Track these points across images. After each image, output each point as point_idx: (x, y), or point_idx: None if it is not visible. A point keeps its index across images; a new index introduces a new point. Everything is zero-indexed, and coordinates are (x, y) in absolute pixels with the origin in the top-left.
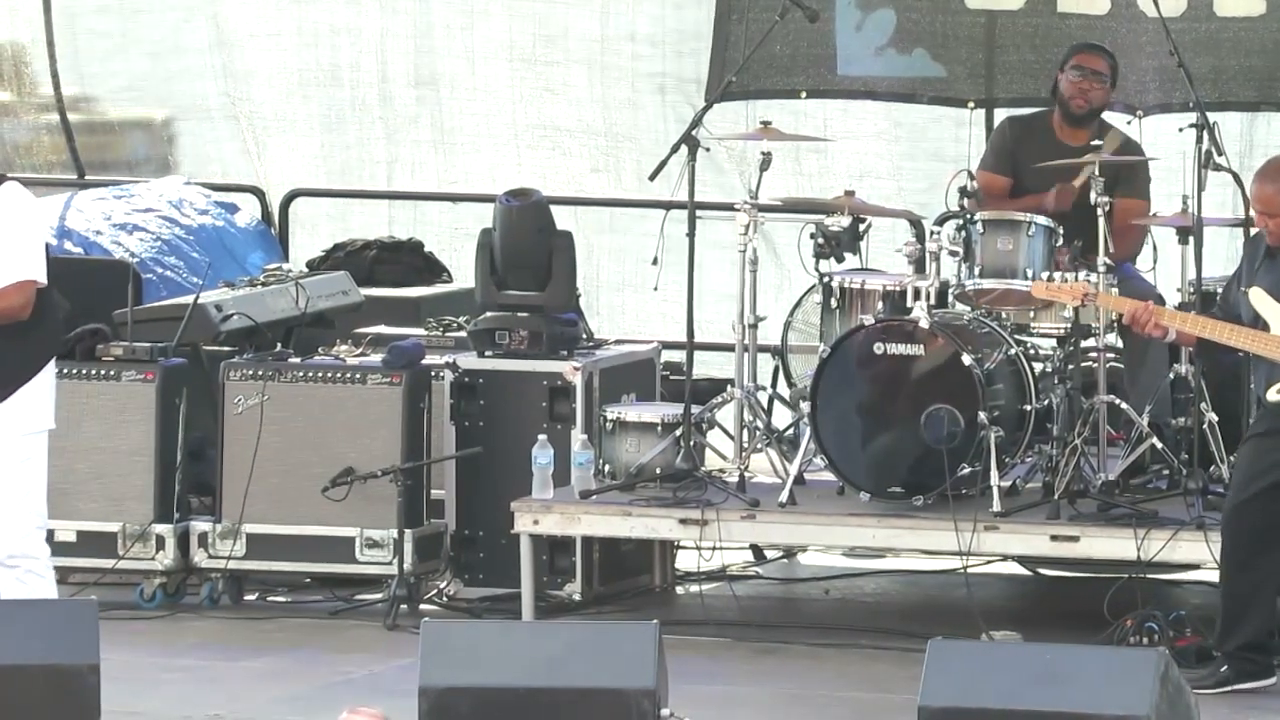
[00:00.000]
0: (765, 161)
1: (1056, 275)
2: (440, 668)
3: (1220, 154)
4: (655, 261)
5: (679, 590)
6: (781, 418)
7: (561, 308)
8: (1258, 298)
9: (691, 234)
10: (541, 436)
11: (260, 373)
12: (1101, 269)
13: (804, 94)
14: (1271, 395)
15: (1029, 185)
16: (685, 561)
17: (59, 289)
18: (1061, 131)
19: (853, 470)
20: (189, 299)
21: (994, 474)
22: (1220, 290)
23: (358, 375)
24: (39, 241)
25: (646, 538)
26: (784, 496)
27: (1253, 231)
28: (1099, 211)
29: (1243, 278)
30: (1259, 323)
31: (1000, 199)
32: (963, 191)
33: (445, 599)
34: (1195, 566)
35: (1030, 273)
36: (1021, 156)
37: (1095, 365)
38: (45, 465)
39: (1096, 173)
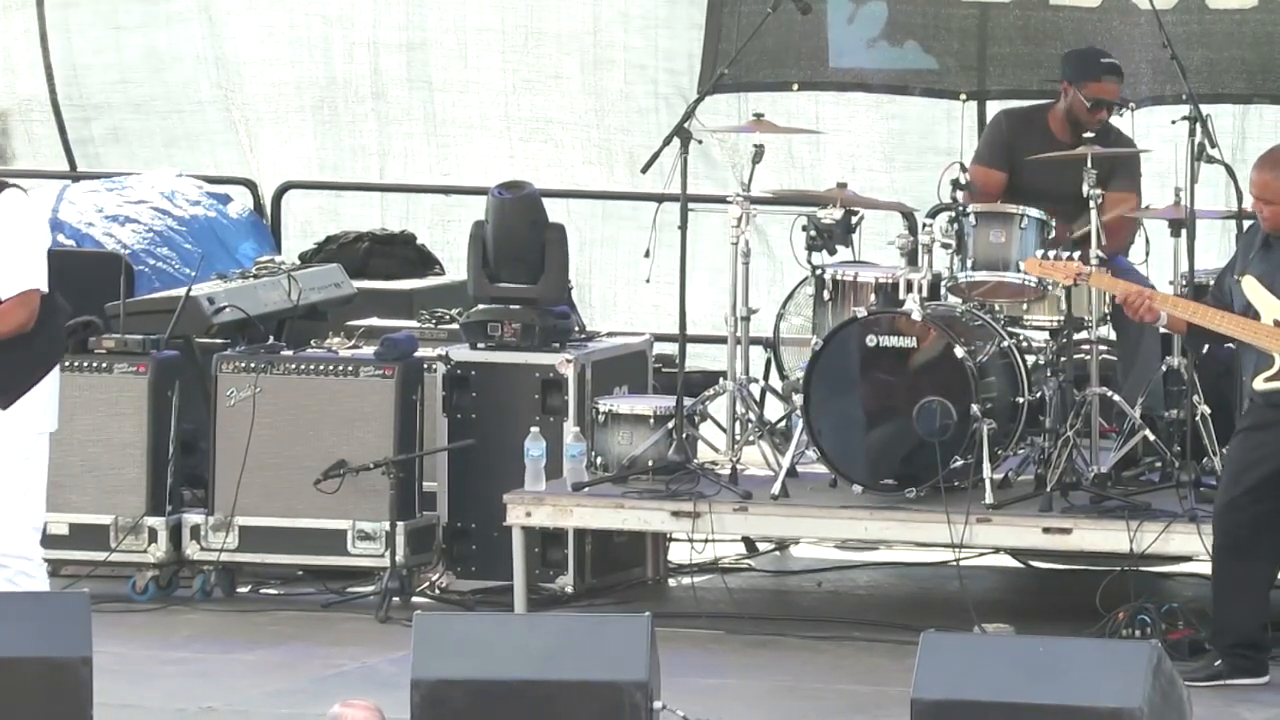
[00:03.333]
0: (757, 154)
1: (1050, 253)
2: (433, 660)
3: (1213, 146)
4: (647, 254)
5: (671, 583)
6: (774, 410)
7: (554, 300)
8: (1250, 286)
9: (684, 226)
10: (534, 429)
11: (253, 365)
12: (1094, 261)
13: (796, 86)
14: (1258, 384)
15: (1025, 179)
16: (678, 554)
17: (58, 290)
18: (1061, 130)
19: (845, 463)
20: (181, 291)
21: (986, 466)
22: (1213, 281)
23: (350, 368)
24: (41, 249)
25: (639, 530)
26: (776, 489)
27: (1246, 224)
28: (1091, 205)
29: (1236, 266)
30: (1250, 311)
31: (995, 195)
32: (955, 184)
33: (437, 591)
34: (1188, 559)
35: (1023, 265)
36: (1018, 151)
37: (1088, 358)
38: (45, 466)
39: (1089, 164)
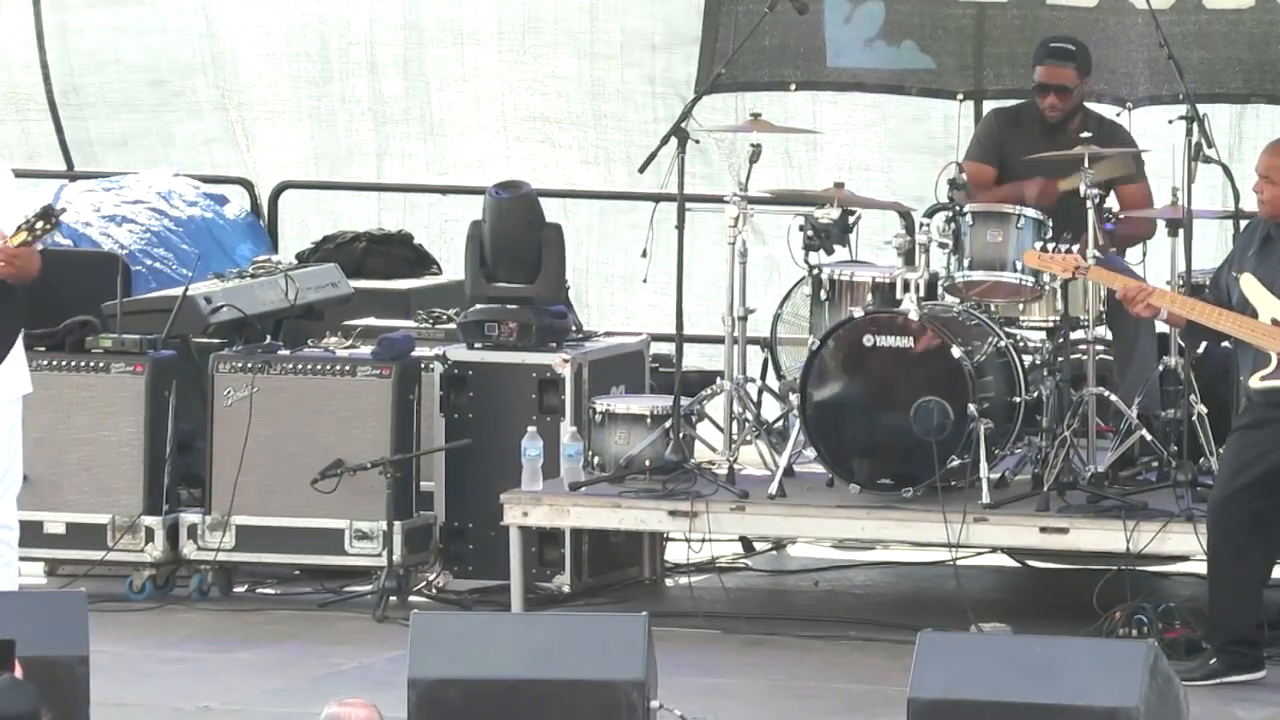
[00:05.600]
0: (755, 154)
1: (1049, 246)
2: (430, 659)
3: (1210, 146)
4: (645, 254)
5: (668, 582)
6: (771, 410)
7: (551, 300)
8: (1248, 284)
9: (681, 226)
10: (531, 428)
11: (250, 365)
12: (1091, 260)
13: (793, 86)
14: (1254, 382)
15: (1017, 175)
16: (674, 554)
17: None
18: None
19: (842, 462)
20: (178, 291)
21: (983, 466)
22: (1210, 278)
23: (347, 367)
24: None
25: (636, 530)
26: (773, 488)
27: (1243, 224)
28: (1089, 205)
29: (1235, 262)
30: (1247, 309)
31: (985, 189)
32: (952, 184)
33: (434, 591)
34: (1184, 558)
35: (1020, 265)
36: (1009, 147)
37: (1084, 357)
38: (20, 432)
39: (1086, 164)
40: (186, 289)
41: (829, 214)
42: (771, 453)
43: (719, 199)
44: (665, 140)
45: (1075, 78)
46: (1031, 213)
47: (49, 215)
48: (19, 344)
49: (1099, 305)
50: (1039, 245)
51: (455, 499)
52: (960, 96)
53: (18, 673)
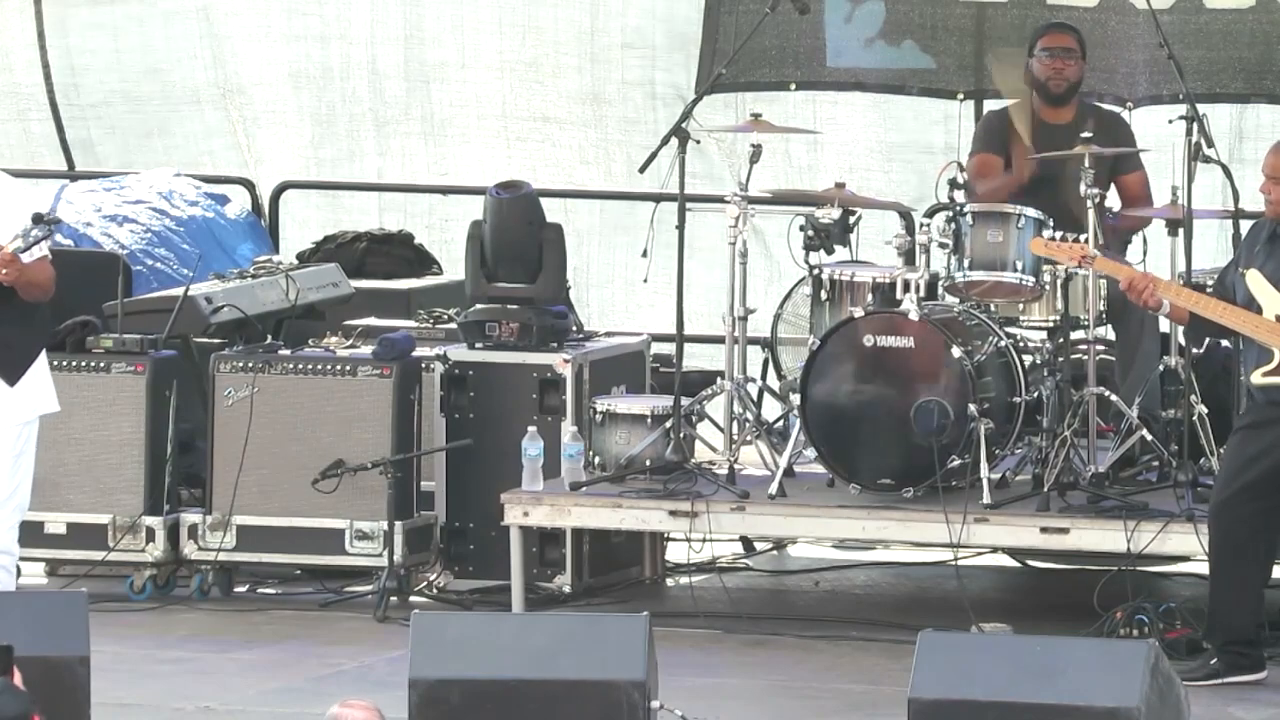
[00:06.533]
0: (755, 154)
1: (1057, 234)
2: (430, 660)
3: (1210, 146)
4: (645, 254)
5: (669, 582)
6: (771, 410)
7: (551, 300)
8: (1254, 280)
9: (681, 226)
10: (531, 428)
11: (250, 365)
12: (1096, 251)
13: (794, 86)
14: (1256, 378)
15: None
16: (675, 554)
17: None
18: (1045, 113)
19: (842, 462)
20: (179, 291)
21: (984, 466)
22: (1212, 280)
23: (348, 367)
24: None
25: (636, 530)
26: (774, 489)
27: (1244, 224)
28: (1089, 205)
29: (1241, 260)
30: (1252, 305)
31: (996, 177)
32: (952, 184)
33: (435, 591)
34: (1185, 558)
35: (1020, 265)
36: (1014, 142)
37: (1085, 357)
38: (32, 456)
39: (1086, 163)
40: (187, 289)
41: (829, 214)
42: (772, 453)
43: (719, 199)
44: (665, 140)
45: (1077, 46)
46: (1032, 212)
47: (41, 220)
48: (41, 362)
49: (1099, 305)
50: (1046, 234)
51: (456, 499)
52: (960, 96)
53: (16, 678)
